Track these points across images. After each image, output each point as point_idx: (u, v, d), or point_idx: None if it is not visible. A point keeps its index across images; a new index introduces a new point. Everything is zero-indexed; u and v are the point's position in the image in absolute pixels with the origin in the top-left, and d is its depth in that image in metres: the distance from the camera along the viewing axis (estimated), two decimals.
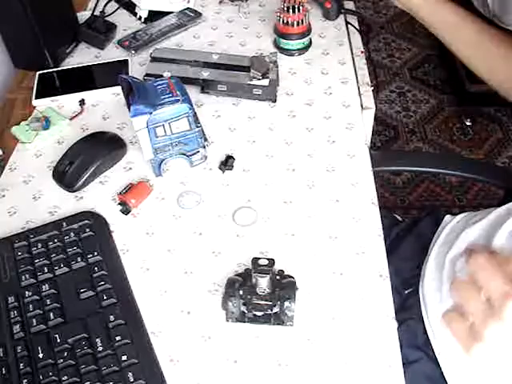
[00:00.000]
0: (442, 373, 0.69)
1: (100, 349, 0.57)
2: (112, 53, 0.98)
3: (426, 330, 0.71)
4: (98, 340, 0.58)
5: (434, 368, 0.69)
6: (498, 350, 0.41)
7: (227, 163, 0.78)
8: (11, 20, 0.88)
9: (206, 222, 0.72)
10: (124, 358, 0.56)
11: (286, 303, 0.59)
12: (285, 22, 0.93)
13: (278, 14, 0.93)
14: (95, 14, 1.02)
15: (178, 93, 0.72)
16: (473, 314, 0.42)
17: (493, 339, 0.41)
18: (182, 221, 0.72)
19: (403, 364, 0.58)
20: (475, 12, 0.88)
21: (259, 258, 0.64)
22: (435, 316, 0.71)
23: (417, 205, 1.75)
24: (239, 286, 0.60)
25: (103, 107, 0.88)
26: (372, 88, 0.90)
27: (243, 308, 0.60)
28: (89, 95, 0.89)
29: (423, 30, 2.37)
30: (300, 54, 0.96)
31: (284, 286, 0.60)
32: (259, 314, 0.60)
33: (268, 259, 0.64)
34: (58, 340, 0.58)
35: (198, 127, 0.75)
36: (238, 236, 0.70)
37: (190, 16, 1.04)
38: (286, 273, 0.64)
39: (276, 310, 0.60)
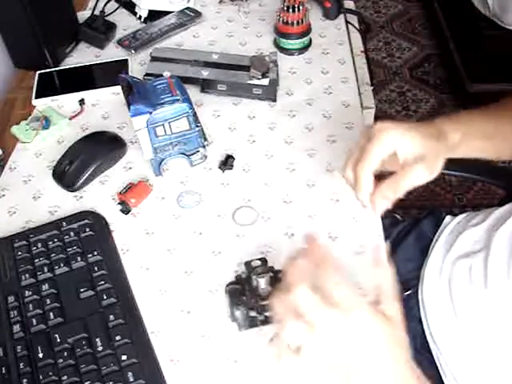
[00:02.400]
0: (441, 376, 0.69)
1: (100, 349, 0.57)
2: (112, 52, 0.98)
3: (424, 331, 0.71)
4: (97, 340, 0.58)
5: (433, 371, 0.69)
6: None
7: (227, 163, 0.77)
8: (11, 20, 0.88)
9: (206, 222, 0.72)
10: (124, 357, 0.56)
11: None
12: (285, 21, 0.93)
13: (278, 13, 0.93)
14: (95, 13, 1.02)
15: (177, 92, 0.72)
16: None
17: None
18: (181, 220, 0.72)
19: None
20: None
21: (251, 261, 0.64)
22: (434, 318, 0.71)
23: (417, 205, 1.75)
24: (241, 293, 0.60)
25: (103, 107, 0.88)
26: (372, 87, 0.90)
27: (252, 313, 0.59)
28: (89, 95, 0.89)
29: (423, 30, 2.38)
30: (300, 54, 0.96)
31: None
32: (269, 313, 0.59)
33: (260, 259, 0.64)
34: (58, 340, 0.58)
35: (197, 127, 0.75)
36: (238, 236, 0.70)
37: (190, 15, 1.04)
38: (277, 269, 0.64)
39: None
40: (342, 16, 1.04)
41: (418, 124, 0.62)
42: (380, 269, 0.53)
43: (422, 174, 0.60)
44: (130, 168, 0.79)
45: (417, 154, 0.59)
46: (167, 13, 1.04)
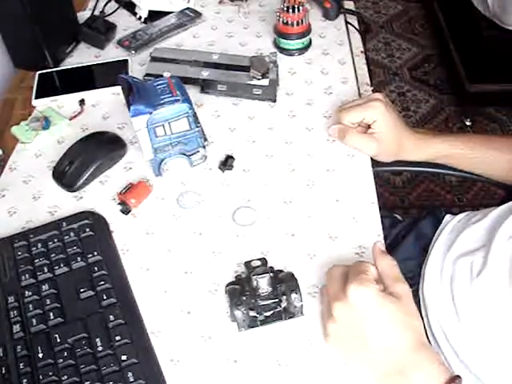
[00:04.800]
0: None
1: (100, 349, 0.57)
2: (112, 53, 0.99)
3: (425, 331, 0.72)
4: (97, 340, 0.58)
5: None
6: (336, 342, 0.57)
7: (227, 163, 0.78)
8: (11, 20, 0.88)
9: (206, 222, 0.72)
10: (124, 357, 0.56)
11: (293, 295, 0.59)
12: (285, 21, 0.93)
13: (278, 13, 0.93)
14: (95, 13, 1.02)
15: (177, 93, 0.72)
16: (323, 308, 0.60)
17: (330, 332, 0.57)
18: (181, 221, 0.72)
19: None
20: None
21: (251, 261, 0.64)
22: (435, 316, 0.71)
23: (417, 205, 1.75)
24: (241, 293, 0.60)
25: (103, 107, 0.88)
26: (372, 88, 0.91)
27: (252, 313, 0.59)
28: (89, 95, 0.89)
29: (423, 30, 2.38)
30: (300, 54, 0.96)
31: (283, 280, 0.61)
32: (269, 313, 0.60)
33: (260, 259, 0.64)
34: (58, 340, 0.58)
35: (197, 127, 0.75)
36: (238, 236, 0.70)
37: (190, 16, 1.04)
38: (277, 269, 0.64)
39: (284, 304, 0.60)
40: (341, 16, 1.04)
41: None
42: (382, 258, 0.59)
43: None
44: (130, 168, 0.79)
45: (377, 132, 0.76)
46: (167, 13, 1.04)
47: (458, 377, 0.51)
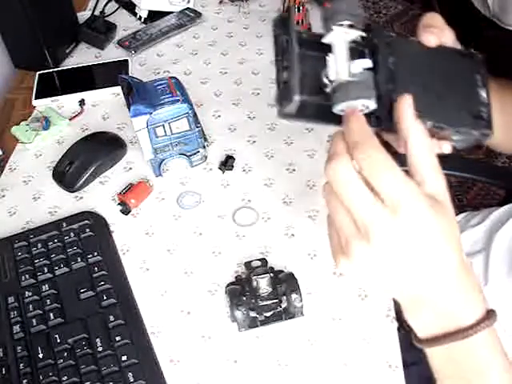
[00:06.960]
0: None
1: (100, 349, 0.57)
2: (112, 53, 0.99)
3: None
4: (97, 340, 0.58)
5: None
6: (364, 268, 0.40)
7: (227, 163, 0.77)
8: (11, 20, 0.88)
9: (206, 222, 0.72)
10: (124, 358, 0.56)
11: (293, 295, 0.59)
12: None
13: (278, 14, 0.93)
14: (95, 14, 1.02)
15: (177, 93, 0.72)
16: (340, 230, 0.40)
17: (359, 258, 0.40)
18: (181, 221, 0.72)
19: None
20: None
21: (251, 261, 0.64)
22: None
23: None
24: (241, 293, 0.60)
25: (103, 107, 0.88)
26: None
27: (252, 313, 0.59)
28: (89, 95, 0.89)
29: None
30: None
31: (283, 280, 0.61)
32: (269, 314, 0.60)
33: (260, 260, 0.64)
34: (58, 340, 0.58)
35: (197, 127, 0.75)
36: (238, 236, 0.70)
37: (190, 16, 1.04)
38: (277, 269, 0.64)
39: (284, 305, 0.60)
40: None
41: None
42: (416, 133, 0.42)
43: None
44: (130, 168, 0.79)
45: None
46: (167, 13, 1.04)
47: (493, 311, 0.43)
